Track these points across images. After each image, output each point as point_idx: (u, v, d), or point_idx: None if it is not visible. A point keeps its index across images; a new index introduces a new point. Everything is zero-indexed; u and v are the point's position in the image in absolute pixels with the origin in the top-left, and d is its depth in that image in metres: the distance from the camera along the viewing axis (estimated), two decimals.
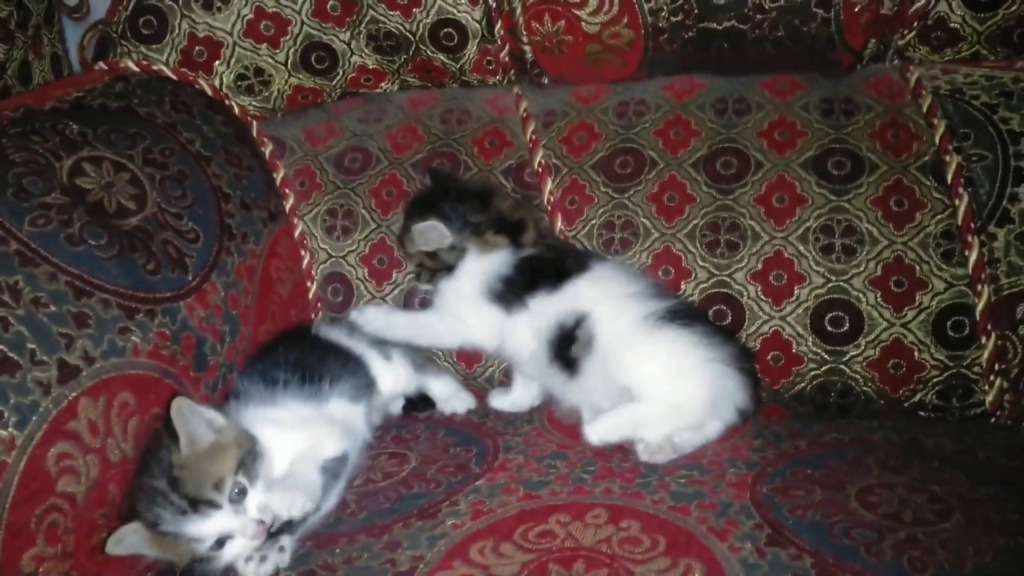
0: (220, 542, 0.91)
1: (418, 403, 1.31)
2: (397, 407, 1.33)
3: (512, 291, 1.21)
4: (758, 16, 1.31)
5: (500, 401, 1.31)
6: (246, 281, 1.20)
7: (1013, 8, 1.26)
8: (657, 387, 1.12)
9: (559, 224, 1.34)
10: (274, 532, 0.94)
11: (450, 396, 1.30)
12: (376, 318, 1.29)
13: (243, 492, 0.93)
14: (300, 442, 1.03)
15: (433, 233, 1.23)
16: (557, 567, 0.88)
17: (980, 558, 0.87)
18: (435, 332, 1.29)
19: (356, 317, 1.30)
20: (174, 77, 1.35)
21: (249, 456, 0.95)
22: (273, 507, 0.93)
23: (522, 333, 1.21)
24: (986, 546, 0.88)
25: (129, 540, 0.91)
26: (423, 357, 1.35)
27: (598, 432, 1.12)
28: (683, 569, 0.86)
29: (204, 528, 0.91)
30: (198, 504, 0.91)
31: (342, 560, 0.94)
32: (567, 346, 1.17)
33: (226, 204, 1.22)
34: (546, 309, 1.19)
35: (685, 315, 1.16)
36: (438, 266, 1.26)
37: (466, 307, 1.24)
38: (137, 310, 1.00)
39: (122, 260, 1.01)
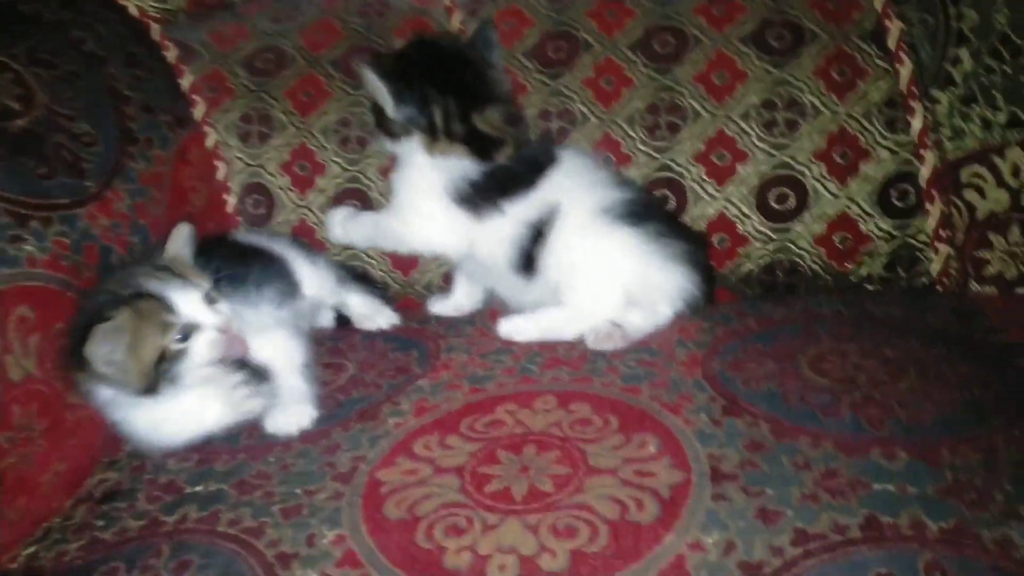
0: (186, 335, 0.89)
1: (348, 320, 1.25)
2: (328, 319, 1.26)
3: (483, 196, 1.12)
4: None
5: (440, 306, 1.25)
6: (155, 189, 1.11)
7: None
8: (577, 293, 1.08)
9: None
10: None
11: (373, 313, 1.23)
12: (340, 221, 1.22)
13: (214, 300, 0.93)
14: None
15: (379, 94, 1.11)
16: (506, 452, 0.83)
17: (937, 412, 0.85)
18: (396, 232, 1.18)
19: (326, 221, 1.25)
20: None
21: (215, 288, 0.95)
22: (280, 426, 0.94)
23: (493, 238, 1.12)
24: (943, 400, 0.87)
25: (114, 329, 0.86)
26: (346, 273, 1.27)
27: (507, 328, 1.09)
28: (637, 444, 0.83)
29: (185, 297, 0.89)
30: (185, 280, 0.91)
31: (278, 467, 0.88)
32: (533, 244, 1.11)
33: (126, 107, 1.11)
34: (522, 210, 1.11)
35: (640, 211, 1.10)
36: (381, 125, 1.16)
37: (425, 205, 1.14)
38: (29, 217, 0.91)
39: (9, 163, 0.91)
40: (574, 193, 1.10)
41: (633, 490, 0.76)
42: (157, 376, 0.88)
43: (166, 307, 0.89)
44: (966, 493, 0.73)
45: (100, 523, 0.84)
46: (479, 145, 1.12)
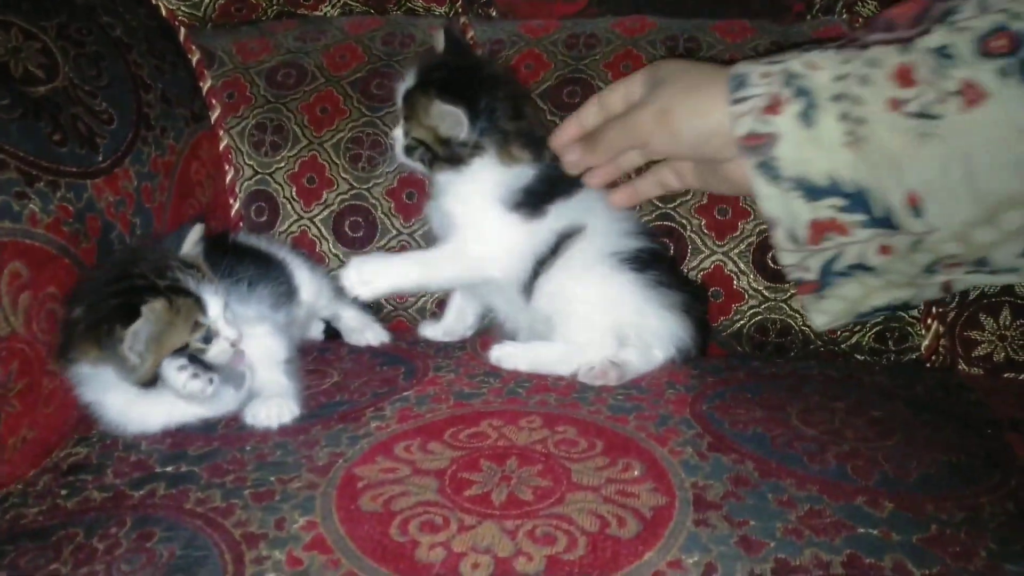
0: (208, 339, 0.90)
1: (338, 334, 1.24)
2: (318, 332, 1.25)
3: (533, 199, 1.11)
4: None
5: (431, 330, 1.24)
6: (163, 176, 1.11)
7: None
8: (571, 331, 1.08)
9: None
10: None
11: (362, 327, 1.22)
12: (374, 274, 1.08)
13: (227, 308, 0.94)
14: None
15: (451, 120, 1.08)
16: (489, 462, 0.82)
17: (924, 470, 0.85)
18: (452, 266, 1.12)
19: (345, 280, 1.07)
20: None
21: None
22: (260, 419, 0.92)
23: (529, 243, 1.11)
24: (928, 461, 0.86)
25: (155, 318, 0.86)
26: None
27: (498, 354, 1.08)
28: (622, 467, 0.82)
29: (215, 303, 0.91)
30: (215, 286, 0.92)
31: (253, 456, 0.86)
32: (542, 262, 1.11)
33: (146, 94, 1.13)
34: (559, 217, 1.11)
35: (646, 258, 1.10)
36: (445, 155, 1.11)
37: (484, 218, 1.11)
38: (38, 178, 0.91)
39: (24, 124, 0.92)
40: (598, 222, 1.11)
41: (615, 507, 0.75)
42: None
43: (201, 307, 0.89)
44: (950, 546, 0.72)
45: (63, 492, 0.81)
46: (535, 146, 1.12)
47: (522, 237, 1.11)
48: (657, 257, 1.13)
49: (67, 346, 0.88)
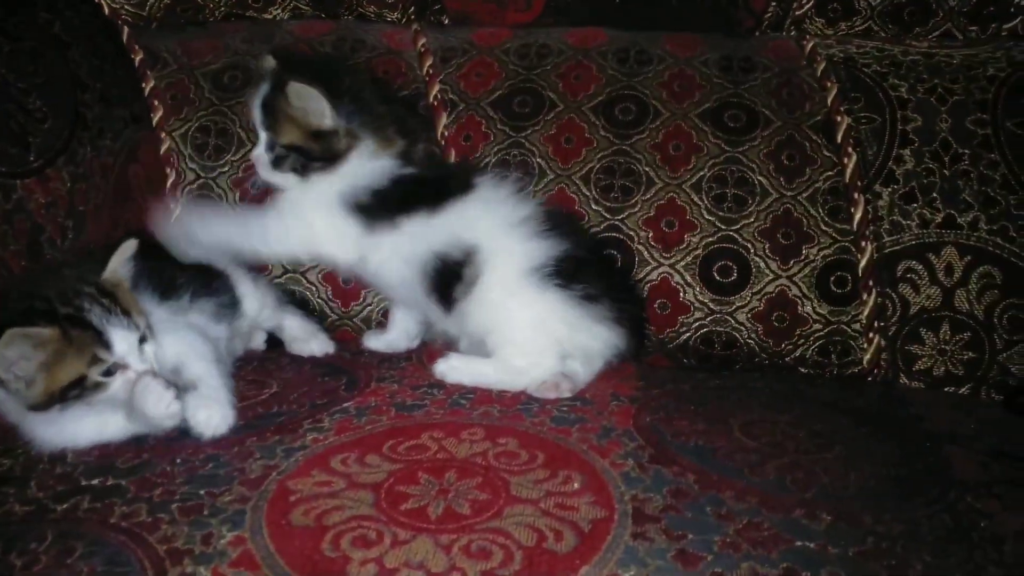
0: (111, 372, 0.86)
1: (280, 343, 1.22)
2: (259, 342, 1.22)
3: (381, 207, 1.08)
4: None
5: (375, 341, 1.22)
6: (98, 177, 1.08)
7: None
8: (507, 350, 1.06)
9: (451, 160, 1.28)
10: None
11: (307, 337, 1.19)
12: (189, 213, 1.11)
13: (144, 339, 0.90)
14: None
15: (312, 104, 1.06)
16: (427, 475, 0.80)
17: (862, 482, 0.85)
18: (270, 233, 1.11)
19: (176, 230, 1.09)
20: None
21: (148, 322, 0.92)
22: (199, 423, 0.89)
23: (389, 256, 1.09)
24: (868, 473, 0.87)
25: (35, 342, 0.81)
26: (282, 294, 1.24)
27: (442, 368, 1.06)
28: (562, 479, 0.81)
29: (123, 339, 0.86)
30: (128, 314, 0.87)
31: (183, 469, 0.83)
32: (450, 283, 1.09)
33: (83, 93, 1.09)
34: (424, 233, 1.08)
35: (568, 268, 1.07)
36: (320, 152, 1.09)
37: (315, 212, 1.09)
38: None
39: None
40: (497, 241, 1.08)
41: (553, 521, 0.74)
42: (61, 399, 0.84)
43: (103, 343, 0.85)
44: (887, 559, 0.73)
45: None
46: (410, 140, 1.11)
47: (357, 242, 1.09)
48: (580, 262, 1.08)
49: None
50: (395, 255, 1.10)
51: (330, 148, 1.09)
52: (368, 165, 1.10)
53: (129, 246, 0.91)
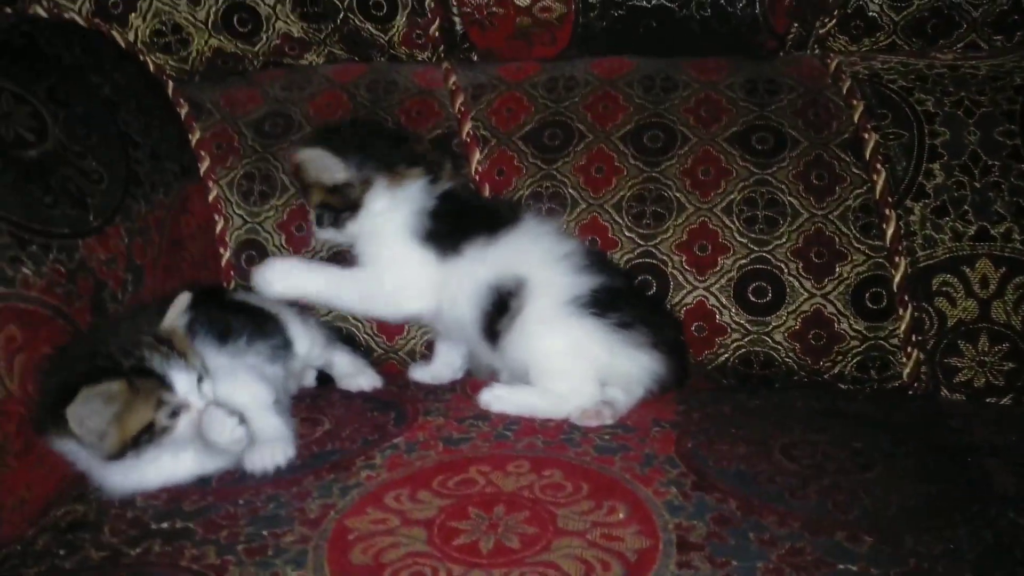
0: (176, 413, 0.90)
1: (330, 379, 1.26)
2: (311, 379, 1.27)
3: (443, 229, 1.15)
4: None
5: (420, 373, 1.26)
6: (153, 231, 1.14)
7: None
8: (553, 382, 1.09)
9: (486, 194, 1.32)
10: None
11: (356, 373, 1.24)
12: (284, 274, 1.18)
13: (202, 378, 0.94)
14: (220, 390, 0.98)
15: (321, 162, 1.14)
16: (476, 510, 0.84)
17: (903, 502, 0.86)
18: (360, 291, 1.18)
19: (258, 276, 1.18)
20: (85, 25, 1.28)
21: (204, 364, 0.96)
22: (256, 463, 0.94)
23: (457, 291, 1.14)
24: (908, 492, 0.89)
25: (105, 397, 0.85)
26: (330, 331, 1.29)
27: (487, 398, 1.10)
28: (607, 510, 0.83)
29: (184, 380, 0.91)
30: (184, 357, 0.92)
31: (246, 510, 0.88)
32: (498, 316, 1.12)
33: (134, 151, 1.15)
34: (483, 263, 1.13)
35: (606, 299, 1.11)
36: (342, 203, 1.17)
37: (393, 251, 1.16)
38: (30, 241, 0.93)
39: (16, 188, 0.94)
40: (543, 273, 1.12)
41: (599, 552, 0.77)
42: (134, 446, 0.89)
43: (166, 386, 0.90)
44: None
45: (61, 552, 0.83)
46: (426, 165, 1.18)
47: (437, 272, 1.15)
48: (616, 293, 1.12)
49: (38, 421, 0.89)
50: (459, 290, 1.15)
51: (347, 198, 1.17)
52: (400, 194, 1.17)
53: (184, 298, 0.96)
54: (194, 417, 0.91)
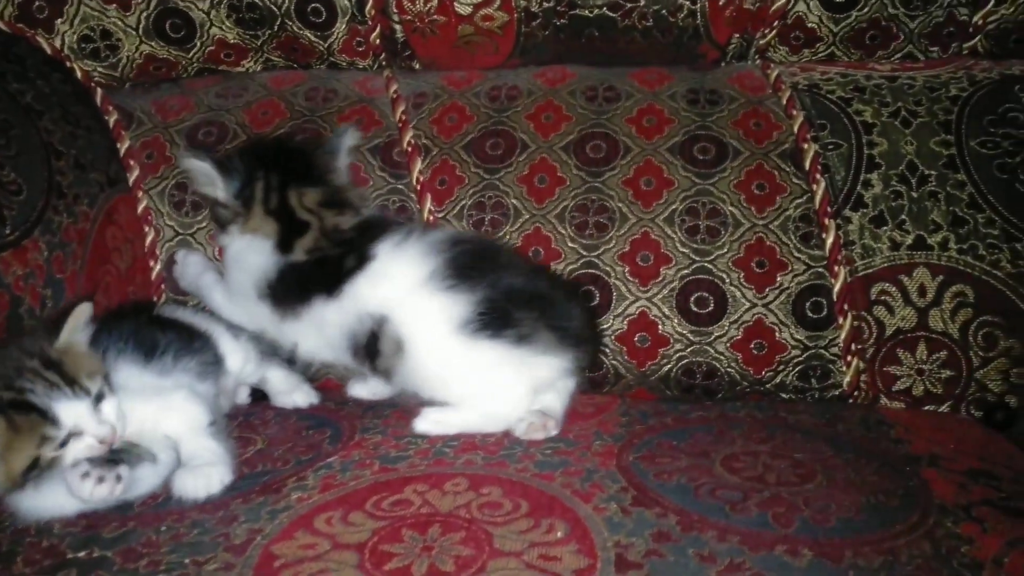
0: (64, 443, 0.85)
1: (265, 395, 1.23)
2: (244, 396, 1.23)
3: (282, 298, 1.12)
4: (628, 5, 1.32)
5: (359, 389, 1.23)
6: (76, 244, 1.09)
7: (865, 10, 1.32)
8: (473, 401, 1.07)
9: (428, 205, 1.29)
10: (112, 458, 0.87)
11: (291, 389, 1.20)
12: (191, 268, 1.22)
13: (102, 398, 0.89)
14: (147, 411, 0.95)
15: (202, 176, 1.12)
16: (411, 532, 0.81)
17: (843, 514, 0.86)
18: (224, 307, 1.19)
19: (178, 259, 1.25)
20: (7, 31, 1.23)
21: (107, 379, 0.91)
22: (188, 490, 0.90)
23: (307, 338, 1.13)
24: (848, 503, 0.88)
25: None
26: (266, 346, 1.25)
27: (423, 427, 1.06)
28: (545, 528, 0.81)
29: (71, 409, 0.85)
30: (73, 384, 0.86)
31: (168, 536, 0.84)
32: (373, 356, 1.09)
33: (57, 161, 1.11)
34: (327, 316, 1.10)
35: (496, 314, 1.05)
36: (214, 217, 1.18)
37: (240, 292, 1.15)
38: None
39: None
40: (407, 304, 1.07)
41: (536, 573, 0.74)
42: (23, 482, 0.84)
43: (49, 420, 0.84)
44: None
45: None
46: (287, 225, 1.13)
47: (279, 326, 1.15)
48: (508, 297, 1.06)
49: None
50: (312, 339, 1.14)
51: (218, 216, 1.18)
52: (249, 247, 1.14)
53: (82, 310, 0.91)
54: (90, 443, 0.86)
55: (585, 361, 1.12)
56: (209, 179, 1.12)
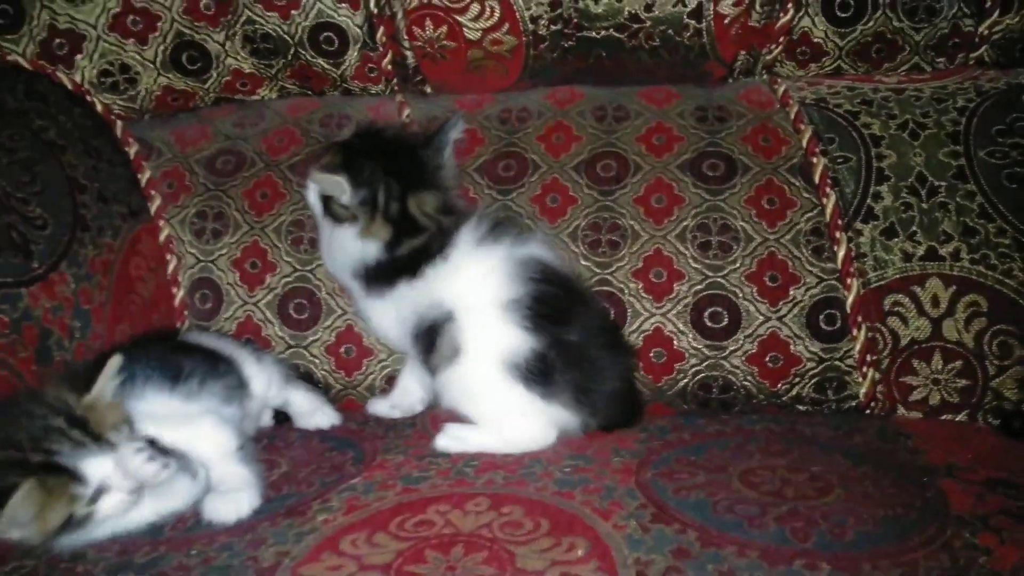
0: (96, 496, 0.86)
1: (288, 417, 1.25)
2: (268, 419, 1.25)
3: (373, 280, 1.16)
4: (634, 25, 1.34)
5: (378, 406, 1.25)
6: (101, 276, 1.12)
7: (870, 24, 1.33)
8: (497, 425, 1.09)
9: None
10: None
11: (313, 410, 1.22)
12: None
13: (136, 444, 0.89)
14: (177, 437, 0.96)
15: (332, 187, 1.14)
16: (434, 552, 0.82)
17: (861, 527, 0.87)
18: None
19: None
20: (30, 68, 1.26)
21: (131, 425, 0.92)
22: (219, 514, 0.92)
23: (382, 316, 1.18)
24: (866, 516, 0.89)
25: (24, 503, 0.81)
26: (290, 372, 1.28)
27: (444, 444, 1.08)
28: (566, 547, 0.82)
29: (98, 467, 0.86)
30: (99, 439, 0.87)
31: (199, 560, 0.85)
32: (430, 348, 1.12)
33: (81, 195, 1.14)
34: (406, 294, 1.14)
35: (538, 367, 1.06)
36: (330, 211, 1.17)
37: (335, 265, 1.22)
38: None
39: None
40: (479, 317, 1.09)
41: None
42: (60, 534, 0.86)
43: (77, 479, 0.86)
44: None
45: None
46: (401, 228, 1.15)
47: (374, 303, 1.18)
48: (558, 349, 1.07)
49: None
50: (388, 317, 1.18)
51: (333, 212, 1.18)
52: (358, 242, 1.16)
53: (114, 363, 0.92)
54: (122, 498, 0.88)
55: (611, 422, 1.12)
56: (340, 189, 1.13)
